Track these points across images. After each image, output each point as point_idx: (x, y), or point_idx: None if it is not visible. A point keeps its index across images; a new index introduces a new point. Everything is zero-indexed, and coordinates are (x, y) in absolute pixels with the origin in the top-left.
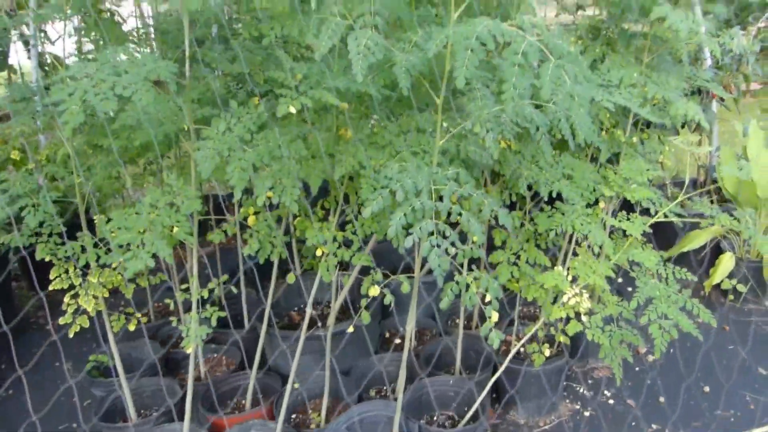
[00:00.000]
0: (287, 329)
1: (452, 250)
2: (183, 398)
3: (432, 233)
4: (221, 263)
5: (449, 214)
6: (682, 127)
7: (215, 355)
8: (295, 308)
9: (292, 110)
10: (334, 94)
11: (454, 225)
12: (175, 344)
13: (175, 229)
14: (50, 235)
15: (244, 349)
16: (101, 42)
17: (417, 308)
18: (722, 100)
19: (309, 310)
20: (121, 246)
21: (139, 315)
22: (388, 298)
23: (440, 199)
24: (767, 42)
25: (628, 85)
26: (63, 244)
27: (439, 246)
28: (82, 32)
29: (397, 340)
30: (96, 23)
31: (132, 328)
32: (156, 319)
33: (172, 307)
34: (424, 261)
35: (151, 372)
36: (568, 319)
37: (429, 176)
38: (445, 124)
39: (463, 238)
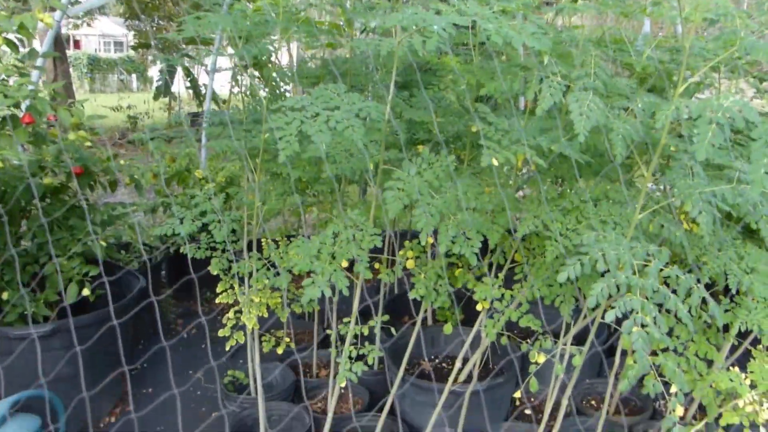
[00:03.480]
0: (420, 378)
1: (654, 333)
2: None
3: (634, 310)
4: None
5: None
6: None
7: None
8: (427, 358)
9: (495, 162)
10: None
11: None
12: (305, 373)
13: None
14: (223, 251)
15: (370, 390)
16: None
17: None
18: None
19: (458, 365)
20: (289, 271)
21: (288, 339)
22: (559, 369)
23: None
24: None
25: None
26: (233, 261)
27: (644, 326)
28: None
29: (527, 411)
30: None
31: (281, 351)
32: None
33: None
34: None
35: (281, 396)
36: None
37: (628, 250)
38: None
39: None
